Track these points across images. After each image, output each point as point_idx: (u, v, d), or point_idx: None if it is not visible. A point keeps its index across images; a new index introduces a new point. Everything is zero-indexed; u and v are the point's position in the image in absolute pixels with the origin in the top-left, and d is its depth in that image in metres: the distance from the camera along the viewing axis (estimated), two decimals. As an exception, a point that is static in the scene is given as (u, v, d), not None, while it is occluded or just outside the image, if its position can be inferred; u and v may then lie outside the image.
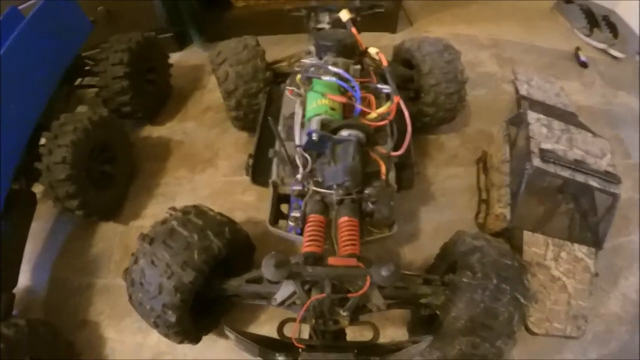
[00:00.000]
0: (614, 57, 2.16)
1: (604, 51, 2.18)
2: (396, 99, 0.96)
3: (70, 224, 1.39)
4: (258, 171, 1.09)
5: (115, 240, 1.34)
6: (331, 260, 0.78)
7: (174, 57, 1.74)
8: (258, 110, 1.26)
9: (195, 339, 1.01)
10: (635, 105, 1.95)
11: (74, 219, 1.36)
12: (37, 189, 1.28)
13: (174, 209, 0.97)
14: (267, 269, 0.71)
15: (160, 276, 0.85)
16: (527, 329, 1.07)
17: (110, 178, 1.36)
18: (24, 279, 1.25)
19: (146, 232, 0.93)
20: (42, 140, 1.21)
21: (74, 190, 1.18)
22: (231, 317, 1.11)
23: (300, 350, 0.73)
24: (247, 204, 1.37)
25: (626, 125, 1.83)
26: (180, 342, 0.96)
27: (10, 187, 1.17)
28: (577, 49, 2.10)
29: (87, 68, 1.55)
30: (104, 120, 1.29)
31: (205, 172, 1.49)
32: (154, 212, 1.39)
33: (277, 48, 1.53)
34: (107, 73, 1.42)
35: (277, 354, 0.73)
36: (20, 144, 1.20)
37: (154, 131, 1.61)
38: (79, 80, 1.58)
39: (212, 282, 0.93)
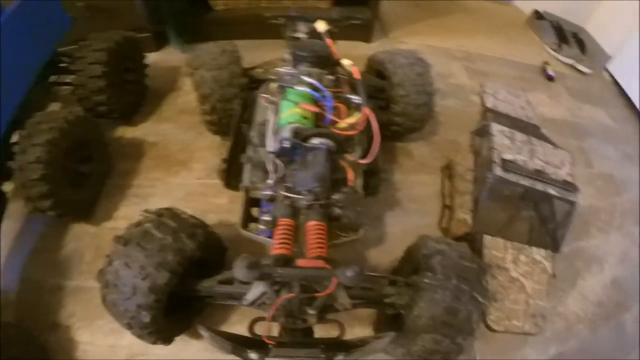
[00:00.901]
0: (581, 72, 2.28)
1: (572, 66, 2.30)
2: (365, 110, 1.01)
3: (41, 224, 1.37)
4: (230, 175, 1.12)
5: (86, 241, 1.33)
6: (300, 262, 0.82)
7: (151, 58, 1.74)
8: (232, 115, 1.28)
9: (168, 340, 1.02)
10: (600, 118, 2.07)
11: (44, 218, 1.34)
12: (7, 187, 1.25)
13: (147, 211, 0.99)
14: (238, 270, 0.75)
15: (135, 277, 0.87)
16: (488, 327, 1.14)
17: (85, 178, 1.35)
18: None
19: (120, 234, 0.94)
20: (15, 138, 1.18)
21: (47, 190, 1.15)
22: (203, 318, 1.13)
23: (270, 347, 0.76)
24: (219, 206, 1.38)
25: (590, 137, 1.95)
26: (154, 342, 0.98)
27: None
28: (546, 63, 2.22)
29: (62, 65, 1.53)
30: (80, 119, 1.28)
31: (179, 174, 1.49)
32: (126, 214, 1.38)
33: (255, 53, 1.55)
34: (85, 72, 1.41)
35: (248, 351, 0.76)
36: (-5, 141, 1.17)
37: (128, 132, 1.60)
38: (53, 77, 1.55)
39: (185, 283, 0.95)
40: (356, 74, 1.05)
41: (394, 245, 1.32)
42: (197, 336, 1.15)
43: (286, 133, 0.97)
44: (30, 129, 1.17)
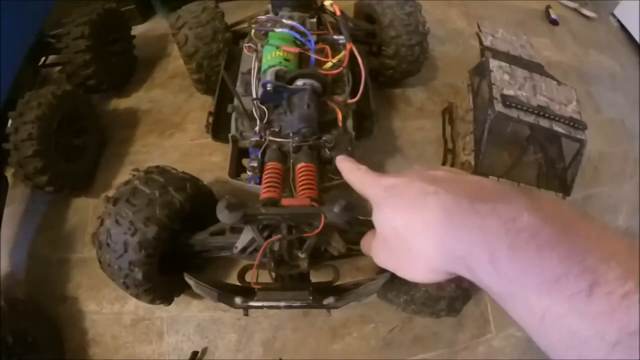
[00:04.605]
0: (587, 17, 2.17)
1: (576, 10, 2.18)
2: (349, 45, 0.96)
3: (43, 202, 1.38)
4: (219, 128, 1.09)
5: (88, 213, 1.34)
6: (285, 202, 0.78)
7: (139, 29, 1.71)
8: (219, 71, 1.25)
9: (167, 299, 1.02)
10: (607, 64, 1.98)
11: (47, 197, 1.35)
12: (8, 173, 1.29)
13: (137, 170, 0.98)
14: (221, 213, 0.72)
15: (125, 234, 0.85)
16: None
17: (80, 151, 1.35)
18: (3, 263, 1.27)
19: (110, 194, 0.94)
20: (9, 122, 1.19)
21: (42, 165, 1.17)
22: (203, 275, 1.11)
23: (256, 290, 0.74)
24: (215, 164, 1.37)
25: (597, 82, 1.86)
26: (152, 301, 0.97)
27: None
28: (548, 7, 2.10)
29: (51, 47, 1.52)
30: (68, 93, 1.28)
31: (173, 137, 1.48)
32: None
33: (244, 12, 1.50)
34: (70, 47, 1.39)
35: (235, 297, 0.73)
36: (-12, 125, 1.19)
37: (121, 103, 1.59)
38: (43, 59, 1.54)
39: (180, 239, 0.94)
40: (337, 11, 0.99)
41: (394, 192, 1.28)
42: (199, 296, 1.15)
43: (268, 76, 0.93)
44: (21, 109, 1.18)
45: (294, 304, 0.71)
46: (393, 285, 0.95)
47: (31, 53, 1.41)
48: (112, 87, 1.55)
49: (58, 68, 1.49)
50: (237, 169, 0.99)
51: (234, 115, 1.00)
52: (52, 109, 1.20)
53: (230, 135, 0.99)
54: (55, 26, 1.48)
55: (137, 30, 1.68)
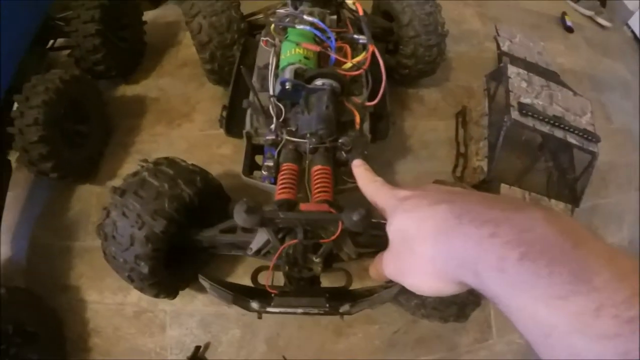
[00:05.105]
0: (601, 26, 2.16)
1: (591, 19, 2.17)
2: (371, 47, 0.94)
3: (46, 189, 1.36)
4: (232, 123, 1.07)
5: (92, 202, 1.32)
6: (303, 206, 0.77)
7: (150, 15, 1.67)
8: (233, 62, 1.22)
9: (171, 293, 1.01)
10: (619, 73, 1.97)
11: (50, 183, 1.33)
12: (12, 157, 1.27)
13: (145, 160, 0.96)
14: (238, 216, 0.70)
15: (132, 227, 0.84)
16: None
17: (85, 138, 1.33)
18: (4, 249, 1.25)
19: (118, 185, 0.92)
20: (15, 106, 1.17)
21: (47, 151, 1.14)
22: (209, 270, 1.11)
23: (273, 296, 0.72)
24: (224, 157, 1.35)
25: (610, 91, 1.85)
26: (156, 295, 0.96)
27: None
28: (564, 13, 2.08)
29: (59, 30, 1.49)
30: (76, 78, 1.26)
31: (181, 127, 1.45)
32: (130, 171, 1.32)
33: (260, 3, 1.48)
34: (79, 31, 1.36)
35: (250, 301, 0.72)
36: (-7, 109, 1.16)
37: (128, 90, 1.56)
38: (51, 42, 1.51)
39: (187, 233, 0.92)
40: (360, 10, 0.97)
41: (405, 192, 1.27)
42: (203, 290, 1.14)
43: (287, 74, 0.91)
44: (27, 92, 1.16)
45: (311, 311, 0.70)
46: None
47: (39, 35, 1.37)
48: (120, 73, 1.51)
49: (66, 52, 1.47)
50: (250, 166, 0.97)
51: (249, 111, 0.98)
52: (59, 94, 1.17)
53: (244, 131, 0.97)
54: (64, 9, 1.45)
55: (147, 16, 1.64)
